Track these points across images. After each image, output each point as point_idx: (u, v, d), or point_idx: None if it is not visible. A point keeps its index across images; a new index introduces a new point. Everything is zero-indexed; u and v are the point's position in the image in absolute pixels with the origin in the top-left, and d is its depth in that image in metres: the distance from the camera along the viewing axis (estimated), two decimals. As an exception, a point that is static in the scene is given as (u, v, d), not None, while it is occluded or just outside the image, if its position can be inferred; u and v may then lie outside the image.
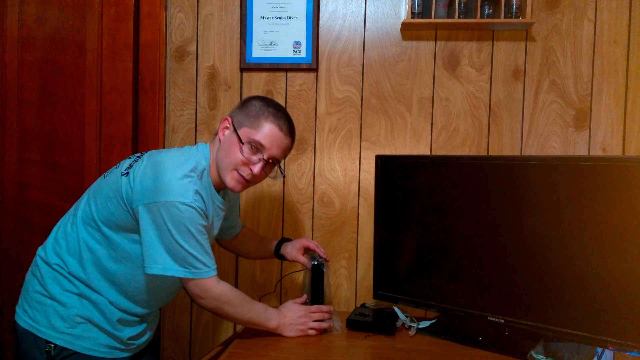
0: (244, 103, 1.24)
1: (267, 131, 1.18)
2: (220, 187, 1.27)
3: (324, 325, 1.36)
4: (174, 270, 1.13)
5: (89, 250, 1.19)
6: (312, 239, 1.70)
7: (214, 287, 1.18)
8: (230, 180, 1.19)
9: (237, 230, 1.54)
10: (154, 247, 1.12)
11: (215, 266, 1.19)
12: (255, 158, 1.18)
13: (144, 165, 1.17)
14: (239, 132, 1.19)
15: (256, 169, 1.18)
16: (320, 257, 1.44)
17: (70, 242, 1.21)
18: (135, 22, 1.71)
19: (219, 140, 1.23)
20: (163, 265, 1.13)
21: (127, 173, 1.17)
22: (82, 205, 1.24)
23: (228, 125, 1.22)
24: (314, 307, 1.37)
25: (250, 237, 1.58)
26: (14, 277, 1.73)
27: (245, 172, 1.19)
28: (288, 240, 1.52)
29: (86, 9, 1.69)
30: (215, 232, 1.29)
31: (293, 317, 1.33)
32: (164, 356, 1.79)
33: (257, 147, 1.18)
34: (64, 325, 1.19)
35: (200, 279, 1.16)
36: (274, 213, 1.76)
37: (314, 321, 1.35)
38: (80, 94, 1.71)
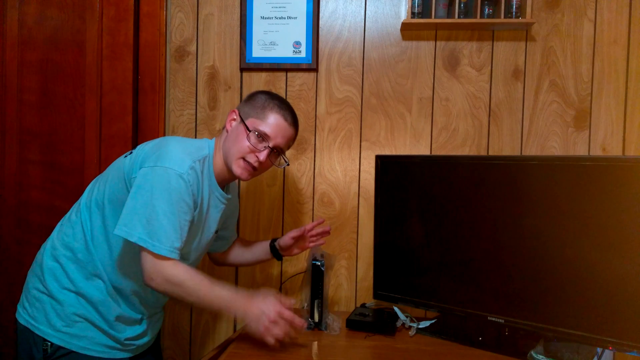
0: (250, 96, 1.30)
1: (272, 121, 1.23)
2: (224, 181, 1.30)
3: (283, 336, 1.17)
4: (138, 237, 1.10)
5: (91, 232, 1.22)
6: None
7: (167, 268, 1.12)
8: (237, 167, 1.23)
9: (233, 240, 1.55)
10: (131, 210, 1.11)
11: (178, 252, 1.14)
12: (261, 146, 1.23)
13: (149, 145, 1.22)
14: (246, 122, 1.24)
15: (262, 156, 1.22)
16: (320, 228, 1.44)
17: (76, 228, 1.24)
18: (135, 22, 1.70)
19: (226, 131, 1.28)
20: (130, 229, 1.10)
21: (131, 152, 1.24)
22: (85, 195, 1.28)
23: (235, 117, 1.27)
24: (287, 314, 1.16)
25: (244, 242, 1.58)
26: (13, 277, 1.73)
27: (252, 159, 1.23)
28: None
29: (86, 8, 1.69)
30: (214, 226, 1.30)
31: (262, 312, 1.14)
32: (164, 356, 1.79)
33: (262, 136, 1.23)
34: (61, 324, 1.20)
35: (156, 254, 1.11)
36: (274, 213, 1.75)
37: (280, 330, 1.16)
38: (80, 94, 1.71)
